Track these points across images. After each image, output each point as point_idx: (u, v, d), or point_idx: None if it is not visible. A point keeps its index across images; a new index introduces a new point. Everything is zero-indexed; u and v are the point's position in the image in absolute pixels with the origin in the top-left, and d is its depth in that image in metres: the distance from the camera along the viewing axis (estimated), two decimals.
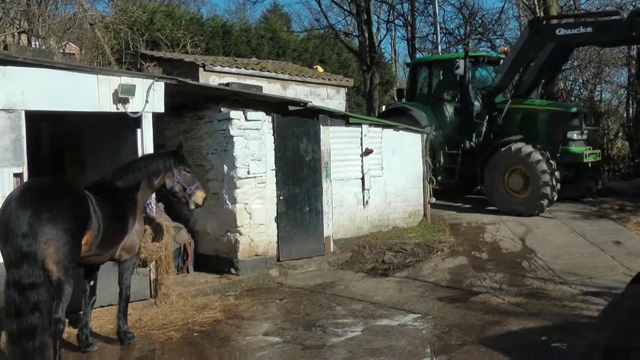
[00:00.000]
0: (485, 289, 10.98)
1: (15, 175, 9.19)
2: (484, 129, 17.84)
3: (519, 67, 18.19)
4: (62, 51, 23.70)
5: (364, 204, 14.82)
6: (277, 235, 12.94)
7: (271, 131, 12.87)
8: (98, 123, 12.07)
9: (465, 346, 8.10)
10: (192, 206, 8.94)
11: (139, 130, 10.71)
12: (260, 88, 13.25)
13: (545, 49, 17.49)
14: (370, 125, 15.07)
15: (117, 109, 10.31)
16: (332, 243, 13.87)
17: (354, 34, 36.29)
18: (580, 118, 17.57)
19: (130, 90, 10.20)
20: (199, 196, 8.88)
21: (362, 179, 14.75)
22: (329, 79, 21.28)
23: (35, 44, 20.21)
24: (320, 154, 13.68)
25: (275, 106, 12.92)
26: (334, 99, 21.01)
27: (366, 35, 31.98)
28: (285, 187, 13.05)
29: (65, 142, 14.43)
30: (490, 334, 8.56)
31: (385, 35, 39.31)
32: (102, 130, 12.40)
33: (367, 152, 14.72)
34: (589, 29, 16.24)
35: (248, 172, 12.29)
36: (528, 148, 16.40)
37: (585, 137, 17.48)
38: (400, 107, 19.63)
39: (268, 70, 19.29)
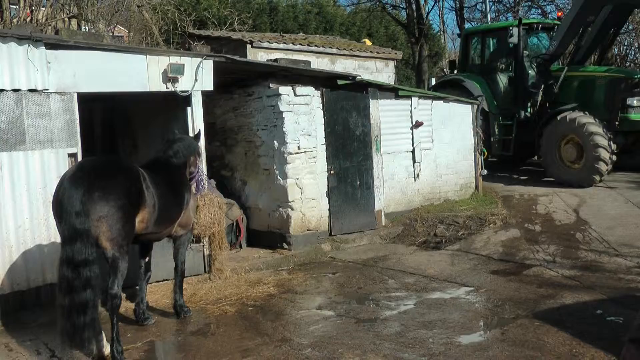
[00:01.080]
0: (539, 262, 10.84)
1: (70, 155, 9.39)
2: (539, 99, 17.43)
3: (576, 33, 17.48)
4: (111, 34, 23.98)
5: (414, 177, 14.74)
6: (329, 210, 12.96)
7: (320, 106, 12.85)
8: (149, 103, 12.21)
9: (518, 320, 8.02)
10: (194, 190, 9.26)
11: (189, 109, 10.82)
12: (309, 63, 13.22)
13: (603, 12, 16.72)
14: (420, 97, 14.94)
15: (167, 88, 10.42)
16: (383, 217, 13.85)
17: (401, 6, 35.92)
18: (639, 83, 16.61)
19: (179, 69, 10.28)
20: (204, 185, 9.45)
21: (413, 151, 14.66)
22: (377, 52, 21.12)
23: (84, 28, 20.49)
24: (370, 128, 13.62)
25: (323, 81, 12.89)
26: (382, 72, 20.87)
27: (414, 7, 31.63)
28: (336, 161, 13.05)
29: (117, 122, 14.65)
30: (544, 307, 8.45)
31: (433, 6, 39.03)
32: (152, 110, 12.55)
33: (417, 124, 14.60)
34: None
35: (298, 147, 12.31)
36: (583, 118, 15.91)
37: None
38: (452, 78, 19.40)
39: (316, 45, 19.23)
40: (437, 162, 15.21)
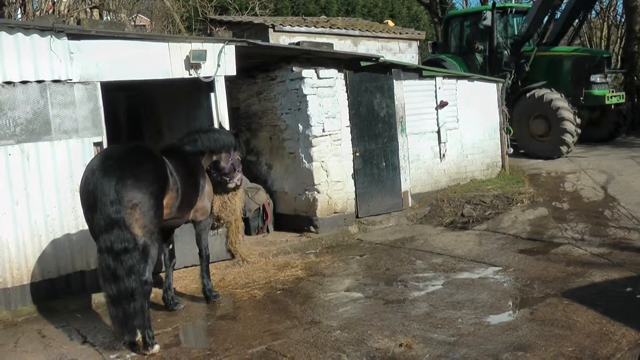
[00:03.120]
0: (567, 240, 10.75)
1: (95, 144, 9.44)
2: (511, 77, 18.55)
3: (544, 15, 18.96)
4: (132, 24, 24.07)
5: (440, 157, 14.67)
6: (355, 192, 12.94)
7: (344, 88, 12.80)
8: (172, 90, 12.25)
9: (547, 299, 7.96)
10: (232, 185, 9.33)
11: (212, 95, 10.83)
12: (331, 45, 13.15)
13: None
14: (444, 77, 14.82)
15: (190, 74, 10.42)
16: (410, 198, 13.80)
17: None
18: (603, 62, 18.25)
19: (201, 55, 10.29)
20: (239, 178, 9.30)
21: (438, 132, 14.58)
22: (400, 33, 21.02)
23: (106, 18, 20.59)
24: (395, 109, 13.55)
25: (346, 63, 12.83)
26: (406, 52, 20.77)
27: None
28: (361, 143, 13.01)
29: (140, 110, 14.72)
30: (572, 286, 8.38)
31: None
32: (176, 97, 12.59)
33: (442, 104, 14.51)
34: None
35: (323, 130, 12.28)
36: (550, 95, 17.25)
37: (608, 80, 18.47)
38: (433, 59, 20.66)
39: (338, 28, 19.16)
40: (462, 142, 15.11)
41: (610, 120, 19.08)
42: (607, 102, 17.78)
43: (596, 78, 18.03)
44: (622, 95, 18.49)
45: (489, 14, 18.97)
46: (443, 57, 20.21)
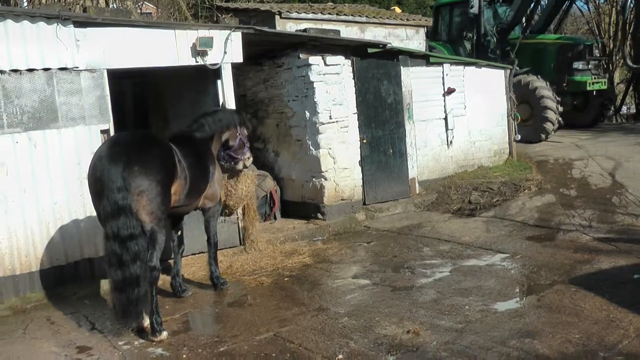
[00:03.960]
0: (574, 227, 10.73)
1: (102, 131, 9.44)
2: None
3: (530, 4, 20.06)
4: (139, 11, 24.01)
5: (448, 144, 14.66)
6: (362, 179, 12.94)
7: (351, 75, 12.77)
8: (178, 77, 12.22)
9: (555, 285, 7.95)
10: (241, 166, 9.26)
11: (219, 82, 10.81)
12: (338, 32, 13.13)
13: None
14: (451, 64, 14.80)
15: (197, 62, 10.40)
16: (417, 185, 13.79)
17: None
18: (585, 49, 19.28)
19: (208, 42, 10.26)
20: (248, 157, 9.27)
21: (445, 118, 14.58)
22: (407, 20, 20.93)
23: (112, 6, 20.53)
24: (402, 96, 13.52)
25: (353, 50, 12.79)
26: (413, 39, 20.70)
27: None
28: (368, 130, 12.99)
29: (147, 98, 14.71)
30: (580, 273, 8.37)
31: None
32: (182, 84, 12.55)
33: (449, 91, 14.49)
34: None
35: (330, 117, 12.26)
36: (535, 82, 17.87)
37: (590, 66, 19.31)
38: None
39: (345, 14, 19.09)
40: (470, 129, 15.09)
41: (593, 105, 20.10)
42: (588, 88, 18.83)
43: (578, 65, 19.05)
44: (604, 82, 19.52)
45: (476, 2, 19.72)
46: (433, 44, 20.90)
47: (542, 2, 21.04)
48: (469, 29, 20.47)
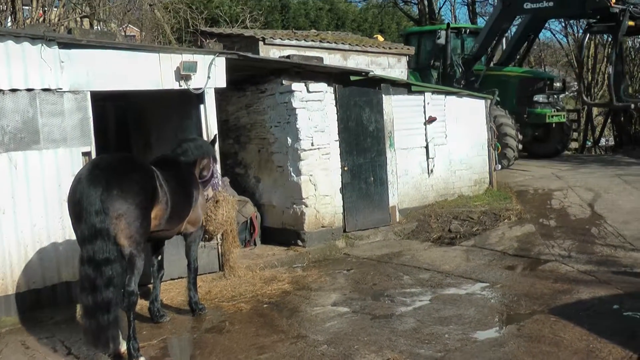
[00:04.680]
0: (554, 257, 10.78)
1: (84, 154, 9.40)
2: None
3: (494, 37, 21.02)
4: (123, 33, 24.06)
5: (428, 172, 14.72)
6: (343, 206, 12.94)
7: (333, 102, 12.83)
8: (161, 101, 12.22)
9: (534, 315, 7.97)
10: (211, 194, 9.29)
11: (202, 106, 10.82)
12: (321, 59, 13.20)
13: (522, 22, 21.28)
14: (432, 92, 14.91)
15: (180, 86, 10.42)
16: (397, 213, 13.82)
17: (413, 1, 35.87)
18: (546, 82, 20.30)
19: (191, 67, 10.28)
20: (218, 184, 9.40)
21: (426, 147, 14.65)
22: (390, 48, 21.08)
23: (97, 28, 20.56)
24: (384, 124, 13.59)
25: (336, 77, 12.86)
26: (395, 67, 20.84)
27: (425, 2, 31.60)
28: (350, 157, 13.03)
29: (130, 121, 14.68)
30: (560, 302, 8.39)
31: (445, 1, 38.76)
32: (165, 108, 12.54)
33: (431, 120, 14.57)
34: (551, 4, 19.10)
35: (312, 144, 12.27)
36: (495, 111, 17.96)
37: (551, 100, 20.34)
38: None
39: (328, 42, 19.19)
40: (450, 158, 15.17)
41: (554, 137, 21.02)
42: (547, 120, 19.78)
43: (539, 98, 20.11)
44: (563, 115, 20.58)
45: (443, 33, 20.79)
46: None
47: (506, 35, 22.34)
48: (437, 58, 21.31)
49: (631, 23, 18.41)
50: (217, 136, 10.04)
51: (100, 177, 6.76)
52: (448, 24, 22.07)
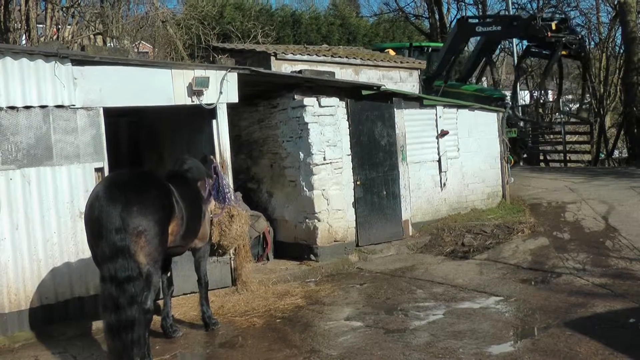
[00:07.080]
0: (569, 270, 10.70)
1: (97, 170, 9.44)
2: None
3: (451, 57, 23.36)
4: (136, 50, 24.25)
5: (441, 186, 14.68)
6: (356, 221, 12.92)
7: (345, 116, 12.85)
8: (174, 116, 12.28)
9: (549, 329, 7.91)
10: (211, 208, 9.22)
11: (214, 121, 10.86)
12: (333, 74, 13.24)
13: (477, 44, 24.17)
14: (444, 106, 14.90)
15: (192, 101, 10.46)
16: (410, 227, 13.78)
17: (424, 15, 35.98)
18: (496, 101, 21.35)
19: (204, 82, 10.32)
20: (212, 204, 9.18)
21: (439, 161, 14.62)
22: (401, 62, 21.07)
23: (110, 45, 20.72)
24: (396, 138, 13.59)
25: (348, 91, 12.89)
26: (407, 81, 20.83)
27: (436, 16, 31.65)
28: (362, 171, 13.03)
29: (142, 136, 14.75)
30: (575, 316, 8.31)
31: (456, 15, 38.74)
32: (178, 124, 12.60)
33: (443, 133, 14.56)
34: (499, 27, 22.09)
35: (324, 158, 12.28)
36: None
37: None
38: None
39: (339, 56, 19.22)
40: (463, 171, 15.13)
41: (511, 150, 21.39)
42: None
43: None
44: (515, 131, 22.72)
45: (406, 51, 22.87)
46: None
47: (462, 55, 24.90)
48: None
49: (564, 52, 21.87)
50: (214, 161, 9.94)
51: (120, 193, 6.74)
52: (411, 43, 24.68)
